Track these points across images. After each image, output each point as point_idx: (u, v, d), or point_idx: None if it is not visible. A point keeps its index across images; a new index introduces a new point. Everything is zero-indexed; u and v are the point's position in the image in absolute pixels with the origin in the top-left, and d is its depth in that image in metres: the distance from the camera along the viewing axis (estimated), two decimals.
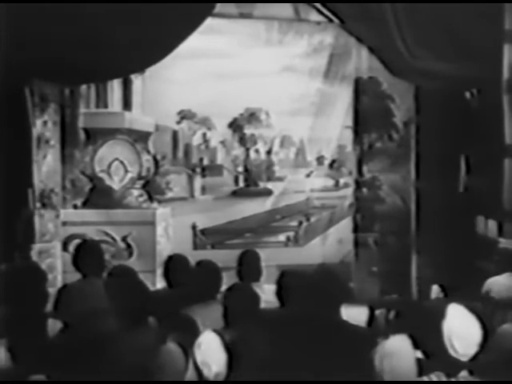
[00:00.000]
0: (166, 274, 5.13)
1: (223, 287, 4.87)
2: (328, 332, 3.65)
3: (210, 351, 3.16)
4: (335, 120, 8.24)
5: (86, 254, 5.18)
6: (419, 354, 3.31)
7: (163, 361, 3.35)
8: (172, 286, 5.05)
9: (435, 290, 5.01)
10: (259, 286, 5.08)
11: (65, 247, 7.08)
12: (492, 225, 7.04)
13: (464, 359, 2.99)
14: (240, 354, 3.15)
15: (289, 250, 8.44)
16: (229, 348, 3.15)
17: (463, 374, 2.98)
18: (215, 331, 3.28)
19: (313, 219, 8.72)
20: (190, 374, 3.24)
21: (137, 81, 7.67)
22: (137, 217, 7.49)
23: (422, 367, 3.22)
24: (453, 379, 2.98)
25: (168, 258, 5.37)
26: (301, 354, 3.44)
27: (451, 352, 3.01)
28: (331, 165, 8.68)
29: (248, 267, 5.35)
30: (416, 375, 3.22)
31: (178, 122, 8.20)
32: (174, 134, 8.28)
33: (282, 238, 8.58)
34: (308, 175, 8.72)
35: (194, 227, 8.18)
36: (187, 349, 3.34)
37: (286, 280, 4.12)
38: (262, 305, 4.54)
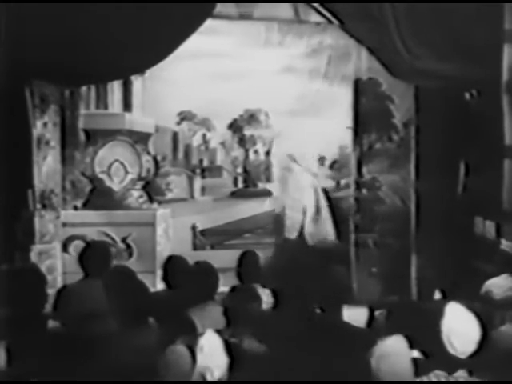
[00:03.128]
0: (165, 276, 5.14)
1: (223, 288, 4.89)
2: (327, 332, 3.66)
3: (212, 355, 3.16)
4: (335, 121, 8.23)
5: (93, 253, 5.19)
6: (417, 354, 3.31)
7: (169, 362, 3.34)
8: (171, 288, 5.06)
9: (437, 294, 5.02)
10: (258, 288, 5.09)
11: (65, 248, 7.08)
12: (490, 226, 7.05)
13: (463, 356, 3.01)
14: (241, 356, 3.14)
15: None
16: (230, 350, 3.14)
17: (461, 373, 2.99)
18: (216, 332, 3.28)
19: None
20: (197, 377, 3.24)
21: (137, 82, 7.67)
22: (137, 218, 7.50)
23: (418, 367, 3.22)
24: (452, 379, 2.99)
25: (166, 259, 5.39)
26: (300, 355, 3.45)
27: (450, 350, 3.02)
28: (332, 166, 8.67)
29: (247, 268, 5.35)
30: (413, 375, 3.22)
31: (178, 123, 8.20)
32: (174, 135, 8.28)
33: None
34: None
35: (193, 228, 8.18)
36: (195, 351, 3.34)
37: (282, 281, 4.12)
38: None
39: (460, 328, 3.03)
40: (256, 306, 4.43)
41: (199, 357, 3.20)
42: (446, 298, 4.82)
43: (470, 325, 3.01)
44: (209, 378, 3.14)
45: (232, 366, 3.10)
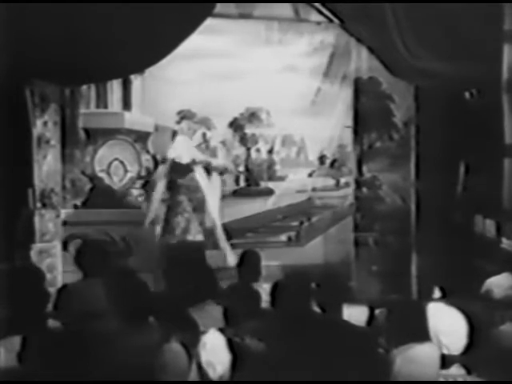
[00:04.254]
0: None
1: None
2: (326, 332, 3.66)
3: (215, 351, 3.15)
4: (335, 120, 8.24)
5: (90, 253, 5.18)
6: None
7: (166, 360, 3.34)
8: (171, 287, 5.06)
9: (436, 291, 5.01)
10: (259, 286, 5.10)
11: (65, 247, 7.08)
12: (490, 224, 7.05)
13: (456, 353, 3.00)
14: (244, 354, 3.14)
15: (290, 250, 8.43)
16: (233, 348, 3.14)
17: (458, 371, 2.99)
18: (220, 330, 3.28)
19: (314, 219, 8.70)
20: (194, 375, 3.23)
21: (136, 81, 7.67)
22: (136, 216, 7.50)
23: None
24: (450, 379, 2.99)
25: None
26: (299, 354, 3.45)
27: (443, 350, 3.02)
28: (332, 164, 8.67)
29: (248, 267, 5.36)
30: None
31: (178, 122, 8.19)
32: (174, 134, 8.27)
33: (283, 237, 8.57)
34: (310, 174, 8.71)
35: None
36: (190, 348, 3.34)
37: (283, 279, 4.12)
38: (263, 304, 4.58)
39: (447, 326, 3.02)
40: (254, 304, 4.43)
41: (202, 353, 3.20)
42: (446, 296, 4.82)
43: (455, 321, 3.00)
44: (211, 374, 3.13)
45: (234, 364, 3.10)
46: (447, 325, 3.01)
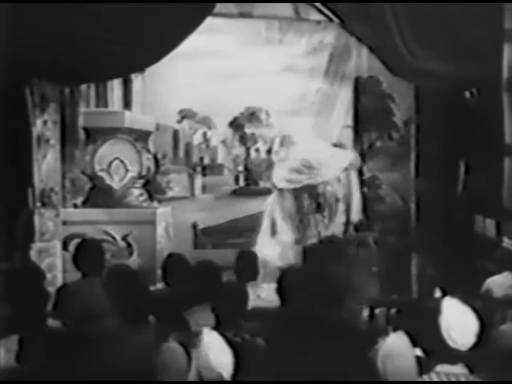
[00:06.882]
0: (165, 274, 5.14)
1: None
2: (328, 331, 3.66)
3: (218, 355, 3.14)
4: (335, 119, 8.24)
5: (86, 253, 5.19)
6: (419, 352, 3.31)
7: (165, 360, 3.34)
8: (170, 286, 5.06)
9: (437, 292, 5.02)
10: (257, 285, 5.10)
11: (65, 246, 7.08)
12: (490, 224, 7.06)
13: (463, 349, 3.01)
14: (246, 355, 3.14)
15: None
16: (235, 349, 3.13)
17: (461, 371, 2.99)
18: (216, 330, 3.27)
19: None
20: (193, 375, 3.22)
21: (137, 80, 7.67)
22: (137, 216, 7.48)
23: (421, 365, 3.22)
24: (453, 378, 2.99)
25: (167, 257, 5.39)
26: (301, 354, 3.45)
27: (450, 343, 3.03)
28: None
29: (245, 267, 5.36)
30: (417, 373, 3.22)
31: (179, 121, 8.19)
32: (175, 133, 8.26)
33: None
34: None
35: (194, 226, 8.16)
36: (189, 348, 3.34)
37: (287, 278, 4.11)
38: (262, 304, 4.58)
39: (458, 322, 3.04)
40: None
41: (208, 355, 3.18)
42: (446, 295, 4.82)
43: (467, 318, 3.02)
44: (225, 376, 3.11)
45: (237, 365, 3.09)
46: (459, 321, 3.03)
